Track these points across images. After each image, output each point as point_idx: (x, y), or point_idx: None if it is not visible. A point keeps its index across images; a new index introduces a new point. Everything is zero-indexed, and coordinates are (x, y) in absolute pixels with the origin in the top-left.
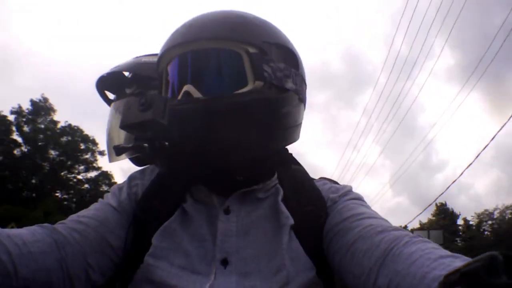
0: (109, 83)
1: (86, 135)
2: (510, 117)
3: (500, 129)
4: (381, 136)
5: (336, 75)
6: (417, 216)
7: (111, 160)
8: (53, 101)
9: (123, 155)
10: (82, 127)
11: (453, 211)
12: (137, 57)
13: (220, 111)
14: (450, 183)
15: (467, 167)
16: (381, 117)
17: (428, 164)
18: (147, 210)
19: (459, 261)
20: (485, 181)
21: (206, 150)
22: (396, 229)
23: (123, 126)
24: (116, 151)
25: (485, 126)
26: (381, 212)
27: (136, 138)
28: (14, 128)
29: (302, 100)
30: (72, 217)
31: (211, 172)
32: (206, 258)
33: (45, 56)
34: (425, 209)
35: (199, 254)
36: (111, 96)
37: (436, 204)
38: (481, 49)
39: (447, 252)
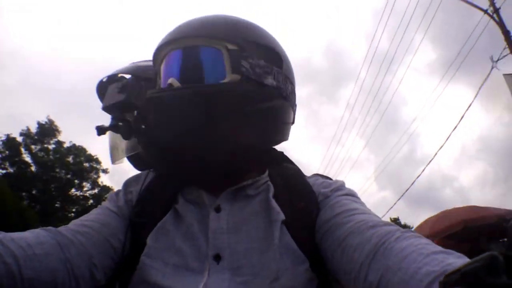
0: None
1: (90, 155)
2: (471, 104)
3: (467, 109)
4: (364, 130)
5: (317, 70)
6: (393, 205)
7: (113, 161)
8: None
9: (123, 154)
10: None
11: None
12: (133, 62)
13: (192, 99)
14: (434, 175)
15: (439, 149)
16: (364, 112)
17: (412, 158)
18: (141, 214)
19: (452, 258)
20: (471, 173)
21: (180, 136)
22: (387, 224)
23: (103, 108)
24: (98, 130)
25: (470, 118)
26: (367, 206)
27: (113, 118)
28: (23, 150)
29: (287, 98)
30: (75, 221)
31: (187, 164)
32: (199, 255)
33: (35, 54)
34: (401, 196)
35: (192, 251)
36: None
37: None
38: (462, 43)
39: (440, 248)
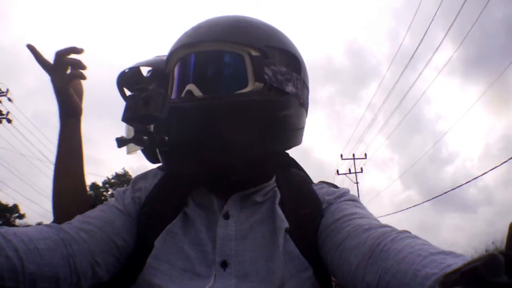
0: (129, 81)
1: None
2: None
3: None
4: (385, 129)
5: (340, 69)
6: (421, 203)
7: (128, 152)
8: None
9: (136, 147)
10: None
11: None
12: (158, 56)
13: (218, 110)
14: (459, 175)
15: (492, 169)
16: (386, 111)
17: (437, 157)
18: (150, 214)
19: (451, 258)
20: (495, 172)
21: (204, 147)
22: (383, 226)
23: (124, 120)
24: (118, 142)
25: (492, 118)
26: (391, 206)
27: (136, 131)
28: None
29: (303, 104)
30: (78, 217)
31: (208, 171)
32: (206, 260)
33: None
34: (432, 198)
35: (199, 257)
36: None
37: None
38: (482, 43)
39: (438, 248)
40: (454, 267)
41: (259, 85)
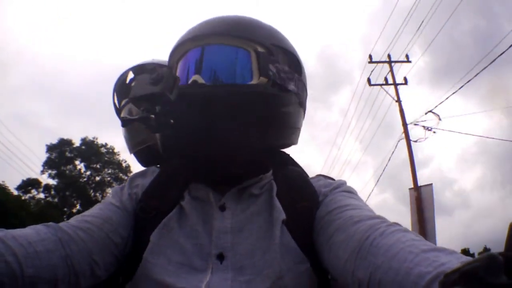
0: (118, 88)
1: None
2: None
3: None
4: (360, 134)
5: (312, 75)
6: (371, 192)
7: (131, 151)
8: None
9: (140, 144)
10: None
11: None
12: (153, 59)
13: (222, 99)
14: (434, 177)
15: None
16: (359, 116)
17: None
18: (146, 209)
19: (444, 255)
20: (470, 176)
21: (206, 135)
22: (372, 217)
23: (132, 99)
24: (123, 122)
25: (468, 121)
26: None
27: (144, 110)
28: None
29: (302, 105)
30: (77, 217)
31: (207, 161)
32: (203, 253)
33: (39, 54)
34: (377, 181)
35: (195, 250)
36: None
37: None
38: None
39: (429, 245)
40: (449, 265)
41: (264, 79)
